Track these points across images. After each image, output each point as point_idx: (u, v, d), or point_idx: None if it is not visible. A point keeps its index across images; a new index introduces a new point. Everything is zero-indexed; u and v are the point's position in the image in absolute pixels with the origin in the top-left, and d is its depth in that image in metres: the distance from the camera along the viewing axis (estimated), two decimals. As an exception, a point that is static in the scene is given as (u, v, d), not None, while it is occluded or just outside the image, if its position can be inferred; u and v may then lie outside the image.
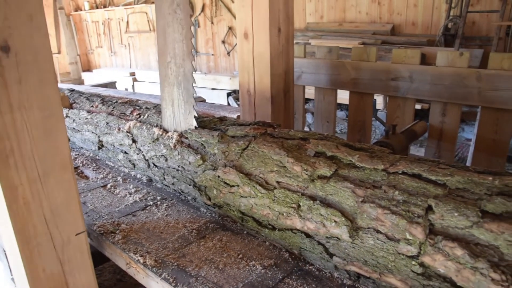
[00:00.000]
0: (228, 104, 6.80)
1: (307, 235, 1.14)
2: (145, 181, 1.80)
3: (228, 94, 6.90)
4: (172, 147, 1.58)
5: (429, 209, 0.96)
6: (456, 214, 0.92)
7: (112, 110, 2.03)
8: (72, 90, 2.53)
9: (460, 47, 5.05)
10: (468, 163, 2.25)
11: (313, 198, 1.11)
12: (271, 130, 1.40)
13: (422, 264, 0.94)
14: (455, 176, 1.00)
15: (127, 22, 9.29)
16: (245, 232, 1.35)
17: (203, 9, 7.78)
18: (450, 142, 2.16)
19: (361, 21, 6.58)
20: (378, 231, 1.00)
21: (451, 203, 0.94)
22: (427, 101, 4.13)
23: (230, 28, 7.53)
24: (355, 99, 2.41)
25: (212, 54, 8.01)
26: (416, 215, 0.96)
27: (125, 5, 9.02)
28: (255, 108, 2.01)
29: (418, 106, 4.24)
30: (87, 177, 1.90)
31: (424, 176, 1.03)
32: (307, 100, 5.79)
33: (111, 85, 5.37)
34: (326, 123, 2.56)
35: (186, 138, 1.56)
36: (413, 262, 0.95)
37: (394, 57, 2.23)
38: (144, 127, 1.75)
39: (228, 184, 1.33)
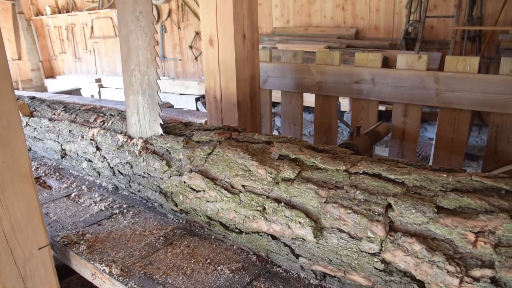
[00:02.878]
0: (197, 109, 6.77)
1: (273, 237, 1.15)
2: (111, 189, 1.76)
3: (197, 99, 6.87)
4: (137, 154, 1.56)
5: (388, 207, 0.99)
6: (413, 211, 0.96)
7: (75, 118, 1.98)
8: (33, 98, 2.45)
9: (420, 50, 5.24)
10: (430, 162, 2.34)
11: (278, 200, 1.13)
12: (236, 134, 1.41)
13: (383, 261, 0.97)
14: (413, 174, 1.04)
15: (92, 27, 9.09)
16: (212, 236, 1.36)
17: (169, 15, 7.72)
18: (412, 142, 2.24)
19: (326, 26, 6.72)
20: (341, 231, 1.03)
21: (409, 200, 0.98)
22: (391, 103, 4.28)
23: (197, 33, 7.50)
24: (321, 102, 2.46)
25: (180, 59, 7.95)
26: (376, 213, 0.99)
27: (89, 10, 8.82)
28: (222, 113, 2.01)
29: (382, 108, 4.37)
30: (50, 187, 1.85)
31: (383, 175, 1.06)
32: (275, 104, 5.85)
33: (76, 92, 5.24)
34: (293, 126, 2.59)
35: (151, 144, 1.55)
36: (375, 259, 0.98)
37: (357, 61, 2.30)
38: (109, 134, 1.72)
39: (194, 190, 1.32)
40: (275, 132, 4.98)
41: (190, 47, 7.66)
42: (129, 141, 1.63)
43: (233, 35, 1.84)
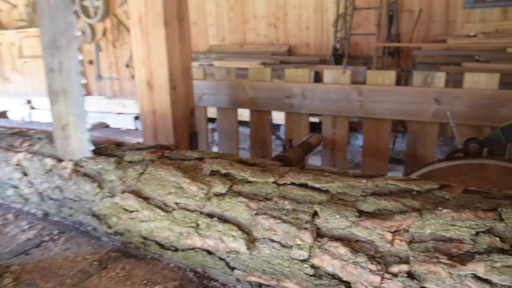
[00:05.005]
0: (136, 128, 6.61)
1: (209, 252, 1.17)
2: (40, 215, 1.68)
3: (136, 118, 6.71)
4: (67, 177, 1.51)
5: (315, 214, 1.05)
6: (337, 216, 1.03)
7: (-2, 143, 1.87)
8: (-51, 124, 2.28)
9: (348, 65, 5.58)
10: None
11: (210, 215, 1.15)
12: (168, 152, 1.42)
13: (313, 266, 1.03)
14: (336, 182, 1.11)
15: (20, 47, 8.59)
16: (149, 256, 1.34)
17: (104, 34, 7.51)
18: (341, 151, 2.37)
19: (260, 43, 6.93)
20: (272, 240, 1.07)
21: (333, 207, 1.05)
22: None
23: (132, 51, 7.36)
24: (255, 116, 2.53)
25: (117, 78, 7.74)
26: (304, 221, 1.04)
27: (18, 28, 8.35)
28: (156, 129, 2.00)
29: (316, 119, 4.55)
30: (-30, 219, 1.72)
31: (309, 184, 1.13)
32: (214, 120, 5.88)
33: (2, 114, 4.91)
34: (230, 141, 2.64)
35: (82, 166, 1.51)
36: (305, 265, 1.03)
37: (287, 77, 2.40)
38: (36, 159, 1.65)
39: (127, 210, 1.31)
40: (215, 148, 5.00)
41: (127, 65, 7.50)
42: (58, 164, 1.57)
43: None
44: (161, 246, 1.27)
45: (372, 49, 5.59)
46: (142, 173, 1.34)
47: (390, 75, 2.17)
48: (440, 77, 2.10)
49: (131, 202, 1.30)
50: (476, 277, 0.90)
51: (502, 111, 2.00)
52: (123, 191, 1.33)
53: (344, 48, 5.62)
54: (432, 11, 5.61)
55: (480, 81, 2.04)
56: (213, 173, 1.25)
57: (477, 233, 0.93)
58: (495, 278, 0.88)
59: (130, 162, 1.42)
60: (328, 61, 6.02)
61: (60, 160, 1.58)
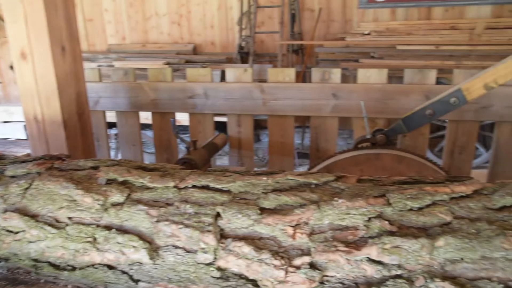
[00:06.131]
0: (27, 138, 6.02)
1: (110, 267, 1.09)
2: None
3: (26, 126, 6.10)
4: None
5: (218, 215, 1.04)
6: (240, 215, 1.02)
7: None
8: None
9: (254, 63, 5.68)
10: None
11: (108, 227, 1.08)
12: (59, 163, 1.30)
13: (219, 268, 1.01)
14: (237, 181, 1.11)
15: None
16: (42, 280, 1.21)
17: (-19, 31, 6.70)
18: (248, 149, 2.40)
19: (164, 42, 6.74)
20: (176, 247, 1.03)
21: (235, 206, 1.04)
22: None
23: (19, 52, 6.68)
24: (158, 119, 2.45)
25: (0, 82, 6.97)
26: (206, 224, 1.02)
27: None
28: (46, 135, 1.83)
29: (224, 119, 4.56)
30: None
31: (211, 186, 1.11)
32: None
33: None
34: (133, 146, 2.52)
35: (-47, 186, 1.31)
36: (211, 268, 1.01)
37: (189, 77, 2.36)
38: None
39: (11, 232, 1.17)
40: (119, 155, 4.75)
41: (11, 67, 6.77)
42: None
43: (50, 47, 1.69)
44: (56, 267, 1.16)
45: (277, 46, 5.76)
46: (27, 188, 1.20)
47: (290, 72, 2.24)
48: (336, 73, 2.22)
49: (16, 221, 1.16)
50: (371, 260, 0.96)
51: (392, 103, 2.18)
52: (5, 211, 1.19)
53: (249, 46, 5.71)
54: (331, 10, 5.96)
55: (371, 76, 2.20)
56: (110, 182, 1.17)
57: (369, 219, 1.00)
58: (386, 259, 0.95)
59: (12, 177, 1.27)
60: (235, 59, 6.08)
61: None
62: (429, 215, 1.01)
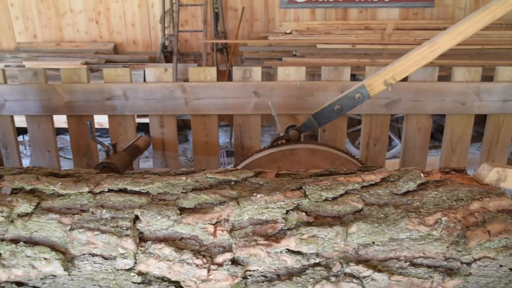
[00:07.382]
0: None
1: (19, 284, 1.02)
2: None
3: None
4: None
5: (136, 219, 1.01)
6: (159, 217, 1.00)
7: None
8: None
9: (178, 62, 5.59)
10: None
11: (15, 240, 1.00)
12: (-45, 174, 1.17)
13: (140, 273, 0.99)
14: (156, 182, 1.09)
15: None
16: None
17: None
18: (172, 150, 2.36)
19: (81, 40, 6.37)
20: (93, 255, 0.99)
21: (154, 208, 1.02)
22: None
23: None
24: (74, 122, 2.32)
25: None
26: (125, 228, 0.99)
27: None
28: None
29: (147, 120, 4.43)
30: None
31: (129, 189, 1.08)
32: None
33: None
34: (47, 153, 2.35)
35: None
36: (132, 274, 0.99)
37: (106, 77, 2.26)
38: None
39: None
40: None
41: None
42: None
43: None
44: (-45, 288, 1.05)
45: (201, 45, 5.72)
46: None
47: (211, 71, 2.24)
48: (257, 71, 2.27)
49: None
50: (290, 251, 0.99)
51: (311, 99, 2.27)
52: None
53: (173, 45, 5.60)
54: (254, 10, 6.05)
55: (290, 74, 2.27)
56: (16, 191, 1.09)
57: (287, 212, 1.03)
58: (304, 249, 1.00)
59: None
60: (158, 59, 5.93)
61: None
62: (343, 204, 1.07)
